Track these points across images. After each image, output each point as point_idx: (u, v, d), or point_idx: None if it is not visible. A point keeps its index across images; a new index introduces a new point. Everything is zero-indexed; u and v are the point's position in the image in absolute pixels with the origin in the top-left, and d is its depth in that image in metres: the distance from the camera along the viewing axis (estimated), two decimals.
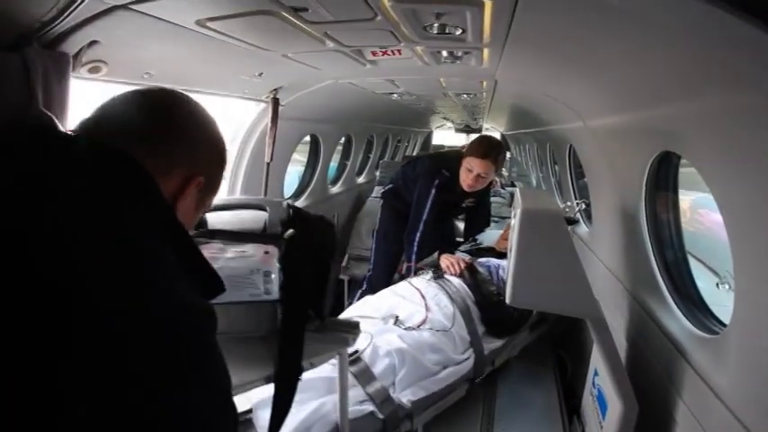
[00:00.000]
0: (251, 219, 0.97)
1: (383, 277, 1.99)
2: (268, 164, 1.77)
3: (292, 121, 2.19)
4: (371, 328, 1.53)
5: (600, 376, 1.34)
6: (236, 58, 1.21)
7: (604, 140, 1.44)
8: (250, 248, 0.89)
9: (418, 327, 1.55)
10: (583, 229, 2.27)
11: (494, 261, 2.05)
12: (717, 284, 1.04)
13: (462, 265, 1.91)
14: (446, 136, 8.45)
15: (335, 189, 3.49)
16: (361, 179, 4.07)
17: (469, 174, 2.03)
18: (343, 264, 3.51)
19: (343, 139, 3.53)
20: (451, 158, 2.19)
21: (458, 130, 8.00)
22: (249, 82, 1.46)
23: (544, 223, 1.05)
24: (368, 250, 2.58)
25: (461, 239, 2.55)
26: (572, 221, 2.33)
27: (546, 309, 1.15)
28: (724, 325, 1.06)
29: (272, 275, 0.88)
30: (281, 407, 0.84)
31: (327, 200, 3.21)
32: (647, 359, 1.28)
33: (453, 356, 1.55)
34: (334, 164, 3.58)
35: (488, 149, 2.01)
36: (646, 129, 1.09)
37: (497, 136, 7.68)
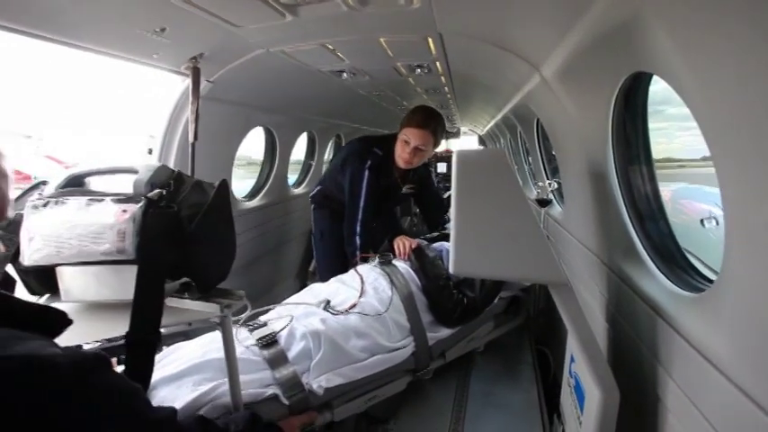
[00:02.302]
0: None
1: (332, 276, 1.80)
2: (193, 144, 1.55)
3: (233, 106, 1.99)
4: (298, 312, 1.42)
5: (576, 362, 1.13)
6: None
7: (563, 90, 1.26)
8: (107, 207, 0.85)
9: (346, 311, 1.43)
10: (556, 209, 2.09)
11: (447, 245, 1.87)
12: (701, 221, 0.85)
13: (412, 247, 1.76)
14: None
15: (299, 191, 3.28)
16: None
17: (406, 147, 1.85)
18: (311, 269, 3.29)
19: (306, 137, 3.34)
20: (385, 137, 2.02)
21: None
22: (154, 41, 1.26)
23: (484, 165, 0.85)
24: None
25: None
26: (545, 203, 2.15)
27: (499, 275, 0.95)
28: (710, 281, 0.87)
29: (126, 234, 0.83)
30: (136, 375, 0.75)
31: (288, 201, 2.99)
32: (629, 337, 1.07)
33: (385, 344, 1.41)
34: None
35: (427, 119, 1.84)
36: (603, 50, 0.91)
37: (475, 139, 7.61)
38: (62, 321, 0.62)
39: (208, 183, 0.95)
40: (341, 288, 1.59)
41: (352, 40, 1.51)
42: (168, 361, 1.18)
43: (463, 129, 7.25)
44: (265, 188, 2.72)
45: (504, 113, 2.86)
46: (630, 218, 1.14)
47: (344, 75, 2.05)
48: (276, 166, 2.77)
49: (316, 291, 1.63)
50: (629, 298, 1.07)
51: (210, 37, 1.37)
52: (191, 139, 1.54)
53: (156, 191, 0.86)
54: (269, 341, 1.28)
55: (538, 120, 2.25)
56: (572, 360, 1.19)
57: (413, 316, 1.51)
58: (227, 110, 1.95)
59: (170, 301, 0.92)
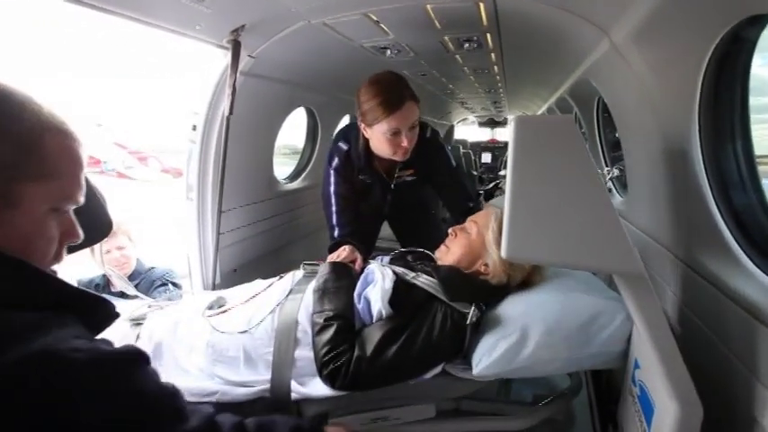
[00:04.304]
0: None
1: None
2: (228, 118, 1.53)
3: (275, 84, 1.95)
4: (182, 305, 1.27)
5: (642, 369, 0.98)
6: None
7: (638, 56, 1.09)
8: None
9: (208, 317, 1.16)
10: (616, 199, 1.89)
11: (382, 272, 1.19)
12: None
13: (334, 260, 1.31)
14: (469, 132, 8.08)
15: None
16: None
17: (398, 138, 1.43)
18: None
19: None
20: (349, 125, 1.70)
21: (481, 125, 7.62)
22: (196, 11, 1.23)
23: (548, 134, 0.73)
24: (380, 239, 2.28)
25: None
26: None
27: (560, 261, 0.81)
28: None
29: None
30: None
31: None
32: (712, 343, 0.92)
33: (225, 374, 1.06)
34: None
35: (398, 91, 1.40)
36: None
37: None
38: (110, 314, 0.59)
39: None
40: (245, 291, 1.27)
41: (396, 9, 1.41)
42: None
43: (510, 117, 6.94)
44: (306, 170, 2.71)
45: (558, 95, 2.65)
46: (718, 206, 0.97)
47: (388, 52, 1.96)
48: (318, 148, 2.75)
49: (245, 286, 1.34)
50: (714, 298, 0.91)
51: (251, 6, 1.32)
52: (226, 112, 1.54)
53: None
54: (137, 323, 1.16)
55: (599, 99, 2.04)
56: (636, 365, 1.04)
57: (283, 353, 1.07)
58: (269, 87, 1.92)
59: None
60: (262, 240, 2.15)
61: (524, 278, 1.20)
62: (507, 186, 0.75)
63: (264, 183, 2.20)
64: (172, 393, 0.58)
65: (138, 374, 0.54)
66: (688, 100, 0.95)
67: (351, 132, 1.62)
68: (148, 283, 2.01)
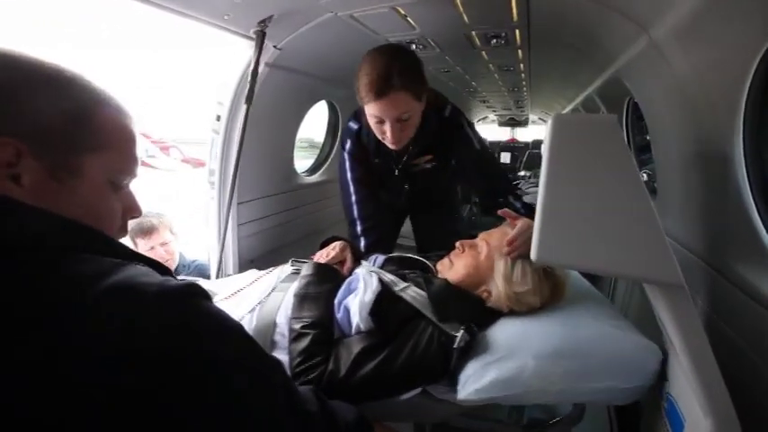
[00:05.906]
0: None
1: None
2: (248, 107, 1.54)
3: (299, 76, 1.95)
4: None
5: (673, 382, 0.95)
6: None
7: (680, 53, 1.04)
8: None
9: None
10: None
11: (365, 281, 1.07)
12: None
13: (324, 258, 1.20)
14: (488, 131, 7.99)
15: None
16: None
17: (383, 126, 1.24)
18: None
19: None
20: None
21: (501, 124, 7.51)
22: (225, 0, 1.23)
23: (588, 134, 0.70)
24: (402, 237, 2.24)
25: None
26: None
27: (593, 267, 0.77)
28: None
29: None
30: None
31: None
32: (747, 358, 0.88)
33: None
34: None
35: (386, 76, 1.16)
36: None
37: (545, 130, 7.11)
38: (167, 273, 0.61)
39: None
40: (235, 283, 1.23)
41: (424, 2, 1.39)
42: None
43: (532, 117, 6.81)
44: (325, 164, 2.71)
45: (585, 95, 2.58)
46: (760, 214, 0.93)
47: (413, 47, 1.93)
48: (338, 143, 2.74)
49: (237, 278, 1.32)
50: (751, 310, 0.87)
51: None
52: (246, 102, 1.54)
53: None
54: None
55: (629, 101, 1.98)
56: (664, 378, 1.01)
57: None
58: (293, 79, 1.92)
59: None
60: (280, 233, 2.16)
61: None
62: (540, 186, 0.73)
63: (285, 175, 2.21)
64: (239, 324, 0.58)
65: (204, 304, 0.55)
66: (733, 102, 0.90)
67: (361, 111, 1.39)
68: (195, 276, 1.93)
